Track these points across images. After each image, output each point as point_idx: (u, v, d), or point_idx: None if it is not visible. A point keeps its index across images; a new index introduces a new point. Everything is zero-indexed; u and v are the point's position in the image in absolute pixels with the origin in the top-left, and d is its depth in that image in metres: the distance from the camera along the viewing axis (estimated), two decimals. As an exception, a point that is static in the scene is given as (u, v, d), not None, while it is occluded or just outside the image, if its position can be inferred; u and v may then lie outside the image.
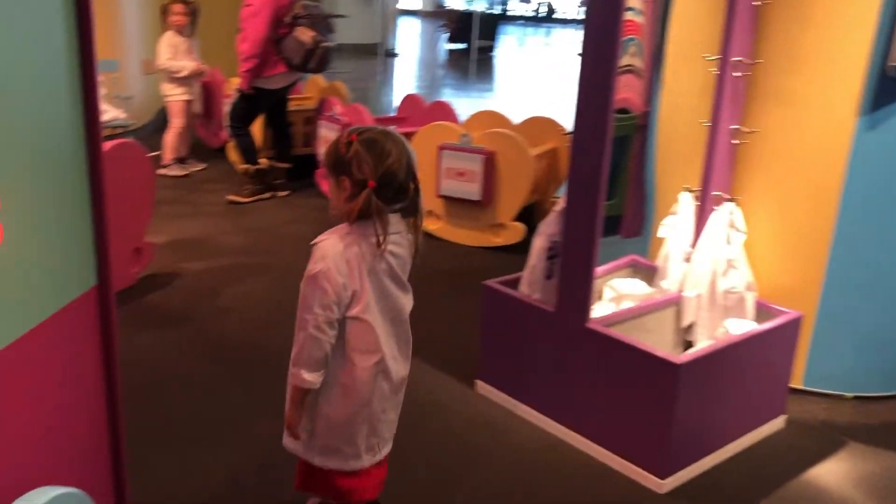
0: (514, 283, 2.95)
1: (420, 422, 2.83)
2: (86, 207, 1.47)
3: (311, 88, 6.66)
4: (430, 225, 4.95)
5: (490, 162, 4.57)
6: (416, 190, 1.83)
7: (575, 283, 2.63)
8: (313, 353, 1.76)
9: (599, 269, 3.15)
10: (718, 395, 2.61)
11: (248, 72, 5.30)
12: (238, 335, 3.50)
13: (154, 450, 2.57)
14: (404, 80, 14.31)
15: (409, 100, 5.97)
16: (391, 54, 17.43)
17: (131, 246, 3.89)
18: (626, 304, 3.02)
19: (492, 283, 2.98)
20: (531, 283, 2.85)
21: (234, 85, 5.72)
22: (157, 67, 6.12)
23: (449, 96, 12.22)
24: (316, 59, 5.46)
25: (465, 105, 9.98)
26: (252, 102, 5.47)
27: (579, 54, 2.43)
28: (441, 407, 2.95)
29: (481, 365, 3.06)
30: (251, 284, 4.05)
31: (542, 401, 2.85)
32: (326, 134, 5.45)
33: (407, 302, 1.93)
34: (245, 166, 5.54)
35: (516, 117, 5.33)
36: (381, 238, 1.75)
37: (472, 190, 4.64)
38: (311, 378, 1.77)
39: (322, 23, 5.48)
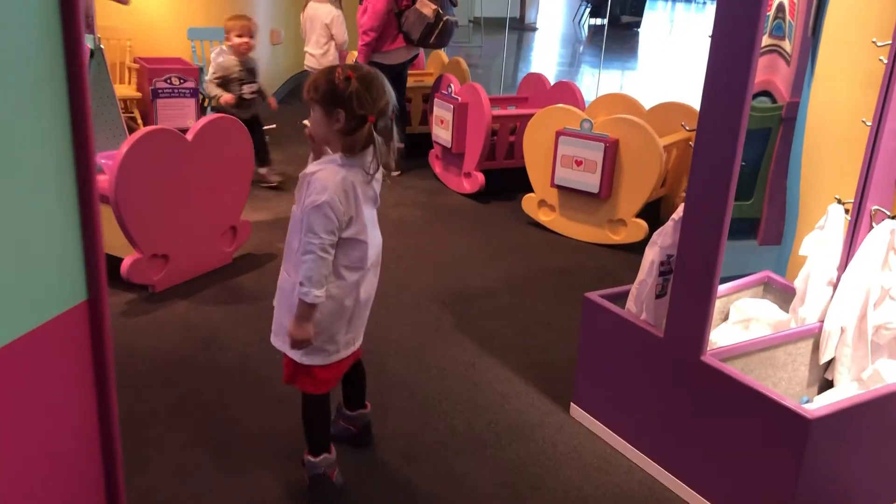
0: (621, 298, 2.57)
1: (501, 443, 2.53)
2: (73, 216, 1.24)
3: (433, 64, 6.40)
4: (543, 216, 4.58)
5: (612, 151, 4.15)
6: (391, 121, 2.04)
7: (690, 307, 2.22)
8: (321, 272, 1.98)
9: (726, 285, 2.72)
10: (860, 456, 2.14)
11: (367, 46, 5.10)
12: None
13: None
14: (539, 56, 13.82)
15: (531, 79, 5.58)
16: (530, 28, 16.95)
17: (227, 224, 3.77)
18: (755, 330, 2.57)
19: (594, 295, 2.61)
20: (639, 300, 2.46)
21: (351, 59, 5.53)
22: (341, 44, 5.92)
23: (586, 75, 11.66)
24: (437, 34, 5.19)
25: (602, 85, 9.49)
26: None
27: (710, 36, 2.01)
28: (527, 430, 2.63)
29: (578, 386, 2.71)
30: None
31: (643, 438, 2.46)
32: (440, 113, 5.17)
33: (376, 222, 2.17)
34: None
35: (650, 102, 4.84)
36: (376, 167, 2.01)
37: (590, 181, 4.23)
38: (319, 294, 1.98)
39: (445, -5, 5.19)
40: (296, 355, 2.11)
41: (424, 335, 3.26)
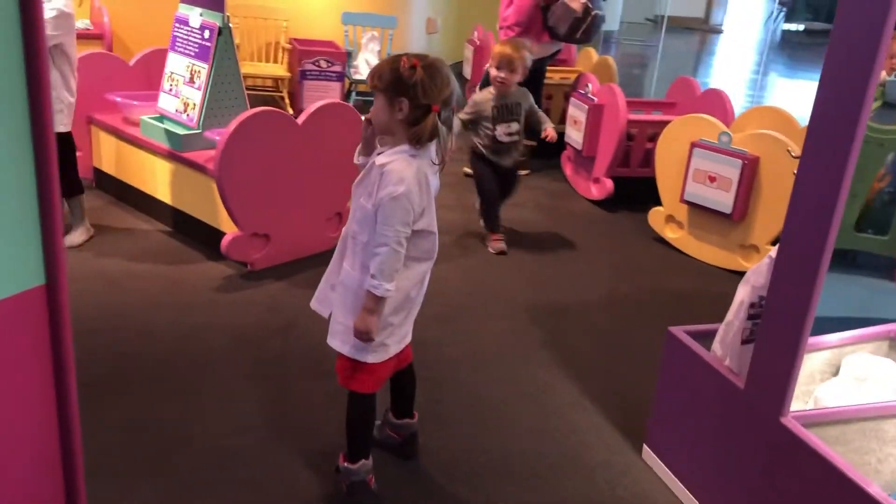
0: (710, 336, 2.27)
1: (554, 477, 2.31)
2: (31, 198, 1.19)
3: (582, 61, 6.13)
4: (669, 233, 4.24)
5: (750, 169, 3.75)
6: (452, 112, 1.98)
7: (774, 358, 1.91)
8: (395, 265, 1.93)
9: (842, 334, 2.36)
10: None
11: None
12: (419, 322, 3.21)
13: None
14: (719, 61, 13.03)
15: (681, 84, 5.19)
16: (715, 31, 16.05)
17: (332, 210, 3.76)
18: (869, 391, 2.20)
19: (679, 330, 2.33)
20: (724, 342, 2.16)
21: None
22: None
23: (770, 87, 10.84)
24: (584, 30, 4.94)
25: (788, 97, 8.74)
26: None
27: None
28: (588, 467, 2.39)
29: (651, 428, 2.44)
30: (450, 268, 3.72)
31: (716, 497, 2.17)
32: (574, 113, 4.92)
33: None
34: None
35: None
36: (442, 159, 1.97)
37: (723, 200, 3.85)
38: (390, 287, 1.93)
39: (593, -11, 4.92)
40: (356, 352, 2.03)
41: (505, 347, 3.08)
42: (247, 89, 6.21)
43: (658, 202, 4.30)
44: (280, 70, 6.19)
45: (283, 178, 3.46)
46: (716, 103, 4.72)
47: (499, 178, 4.04)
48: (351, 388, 2.11)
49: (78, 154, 4.21)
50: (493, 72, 3.93)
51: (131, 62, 4.26)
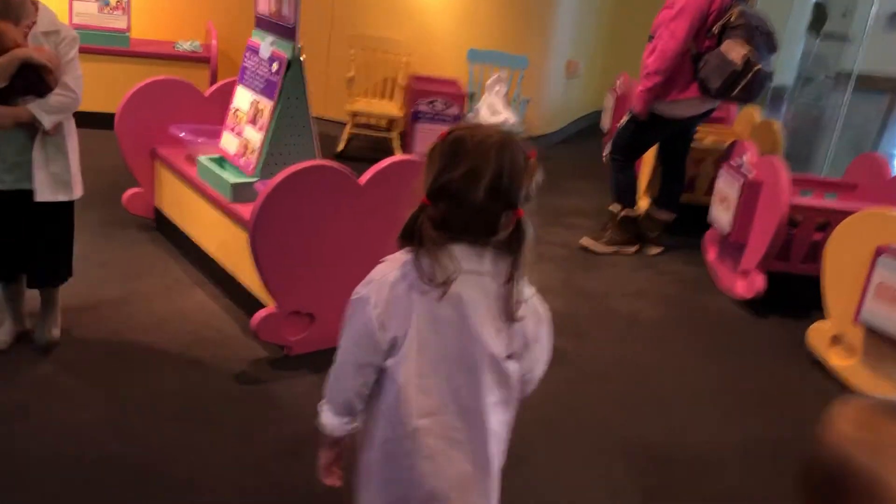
0: None
1: None
2: None
3: (742, 122, 5.16)
4: (835, 359, 3.24)
5: (962, 293, 2.73)
6: (519, 222, 1.31)
7: None
8: (336, 392, 1.49)
9: None
10: None
11: (649, 91, 4.09)
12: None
13: None
14: (909, 126, 11.40)
15: (865, 161, 4.12)
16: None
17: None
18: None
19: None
20: None
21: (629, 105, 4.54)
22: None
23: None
24: (744, 86, 4.02)
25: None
26: (645, 131, 4.25)
27: None
28: None
29: None
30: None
31: None
32: (723, 188, 3.99)
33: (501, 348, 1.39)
34: (616, 207, 4.38)
35: None
36: (429, 279, 1.33)
37: (916, 329, 2.84)
38: (329, 422, 1.50)
39: (762, 37, 4.00)
40: None
41: (585, 516, 2.25)
42: (357, 128, 5.76)
43: (822, 314, 3.32)
44: (394, 109, 5.63)
45: (336, 246, 2.81)
46: (913, 191, 3.67)
47: None
48: None
49: (138, 191, 3.79)
50: None
51: (207, 92, 3.77)
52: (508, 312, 1.35)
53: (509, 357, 1.40)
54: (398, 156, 2.87)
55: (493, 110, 5.81)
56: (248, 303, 3.07)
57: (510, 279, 1.33)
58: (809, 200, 3.86)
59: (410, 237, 1.35)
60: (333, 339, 2.98)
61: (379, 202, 2.83)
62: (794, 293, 3.78)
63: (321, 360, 2.88)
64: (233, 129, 3.33)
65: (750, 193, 3.76)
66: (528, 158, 1.31)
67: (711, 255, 4.29)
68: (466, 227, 1.32)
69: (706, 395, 2.99)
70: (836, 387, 3.15)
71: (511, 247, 1.33)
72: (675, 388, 3.01)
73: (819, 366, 3.28)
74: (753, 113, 4.99)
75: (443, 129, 5.12)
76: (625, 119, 4.28)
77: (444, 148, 1.33)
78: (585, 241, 4.39)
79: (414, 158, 2.90)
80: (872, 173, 4.02)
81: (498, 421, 1.44)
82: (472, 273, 1.34)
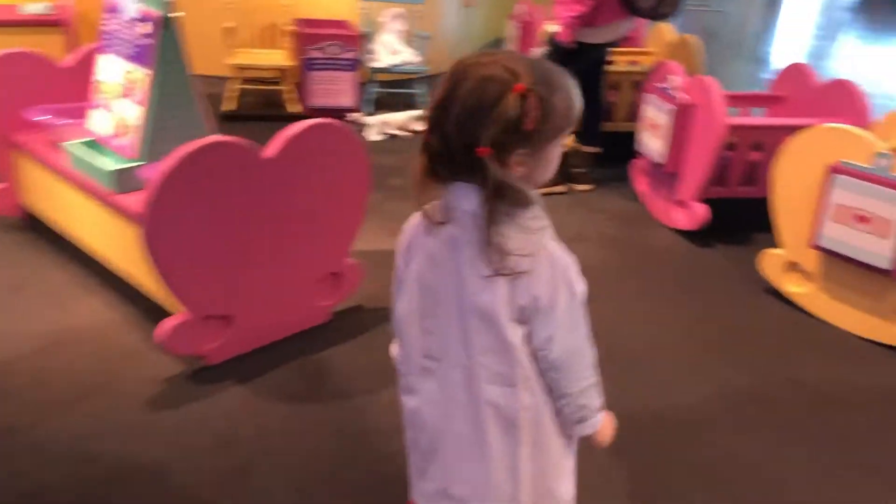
0: None
1: None
2: None
3: (655, 41, 4.92)
4: (792, 286, 3.10)
5: (925, 208, 2.59)
6: (482, 162, 1.16)
7: None
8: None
9: None
10: None
11: (578, 18, 3.72)
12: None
13: None
14: (789, 24, 11.55)
15: (792, 72, 3.94)
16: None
17: (325, 269, 2.70)
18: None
19: None
20: None
21: (545, 33, 4.19)
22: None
23: (843, 56, 9.42)
24: (671, 2, 3.75)
25: (860, 68, 7.38)
26: (566, 61, 3.93)
27: None
28: None
29: None
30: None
31: None
32: (652, 114, 3.76)
33: (479, 302, 1.25)
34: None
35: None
36: (428, 217, 1.28)
37: (880, 251, 2.70)
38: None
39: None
40: None
41: None
42: (245, 83, 5.21)
43: (768, 233, 3.15)
44: (282, 58, 5.10)
45: (246, 236, 2.41)
46: (844, 101, 3.51)
47: None
48: None
49: (1, 187, 3.24)
50: None
51: (65, 63, 3.20)
52: (487, 261, 1.21)
53: (516, 320, 1.25)
54: (308, 121, 2.45)
55: (391, 49, 5.39)
56: (152, 310, 2.64)
57: (487, 223, 1.19)
58: (744, 120, 3.67)
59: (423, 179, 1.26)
60: (257, 339, 2.63)
61: (291, 175, 2.44)
62: (735, 218, 3.63)
63: (246, 366, 2.52)
64: (102, 106, 2.82)
65: (683, 118, 3.53)
66: (509, 91, 1.14)
67: (643, 185, 4.08)
68: (449, 164, 1.21)
69: (671, 346, 2.79)
70: (799, 317, 3.01)
71: (487, 188, 1.18)
72: (638, 343, 2.79)
73: (776, 294, 3.14)
74: (665, 30, 4.75)
75: (342, 75, 4.65)
76: (541, 50, 3.94)
77: (444, 77, 1.21)
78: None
79: (327, 122, 2.49)
80: (800, 84, 3.85)
81: (500, 394, 1.29)
82: (470, 214, 1.21)
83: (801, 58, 8.79)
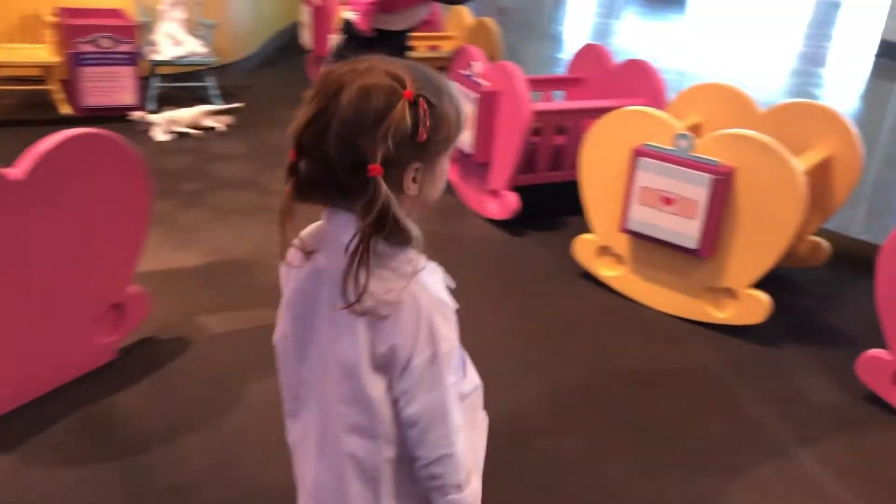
0: None
1: None
2: None
3: (453, 25, 4.83)
4: (605, 270, 3.10)
5: (723, 187, 2.64)
6: (373, 183, 1.00)
7: None
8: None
9: None
10: None
11: (377, 4, 3.49)
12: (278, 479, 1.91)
13: None
14: (581, 9, 12.05)
15: (588, 53, 3.96)
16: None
17: (104, 301, 2.33)
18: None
19: None
20: None
21: (341, 19, 3.94)
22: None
23: (624, 32, 9.94)
24: None
25: (638, 43, 7.78)
26: (365, 49, 3.69)
27: None
28: None
29: None
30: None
31: None
32: (459, 104, 3.64)
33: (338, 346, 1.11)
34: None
35: (758, 92, 3.31)
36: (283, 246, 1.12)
37: (685, 231, 2.74)
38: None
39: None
40: None
41: None
42: (4, 83, 4.57)
43: (581, 216, 3.13)
44: (45, 54, 4.50)
45: (2, 269, 2.01)
46: (640, 81, 3.57)
47: None
48: None
49: None
50: None
51: None
52: (345, 298, 1.04)
53: (377, 370, 1.09)
54: (64, 133, 2.06)
55: (173, 40, 4.93)
56: None
57: (351, 254, 1.02)
58: (549, 105, 3.65)
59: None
60: (21, 394, 2.18)
61: (51, 196, 2.06)
62: (546, 203, 3.60)
63: (11, 428, 2.09)
64: None
65: (488, 105, 3.44)
66: (398, 99, 1.00)
67: (454, 176, 3.97)
68: (329, 189, 1.05)
69: (497, 345, 2.68)
70: (616, 301, 3.02)
71: (368, 216, 1.02)
72: (464, 344, 2.66)
73: (592, 279, 3.13)
74: (463, 13, 4.67)
75: (120, 70, 4.12)
76: (338, 38, 3.70)
77: (312, 89, 1.05)
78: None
79: (86, 132, 2.12)
80: (595, 65, 3.88)
81: (360, 446, 1.14)
82: (344, 247, 1.04)
83: (589, 36, 9.18)
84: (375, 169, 0.99)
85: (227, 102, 4.74)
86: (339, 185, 1.03)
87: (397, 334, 1.07)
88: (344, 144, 1.00)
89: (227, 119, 4.59)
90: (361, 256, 1.02)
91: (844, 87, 7.51)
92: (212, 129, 4.51)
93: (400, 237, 1.04)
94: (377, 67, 1.02)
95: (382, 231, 1.02)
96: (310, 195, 1.07)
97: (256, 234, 3.28)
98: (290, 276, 1.17)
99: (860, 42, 9.11)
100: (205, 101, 4.82)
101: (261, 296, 2.80)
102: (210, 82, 4.89)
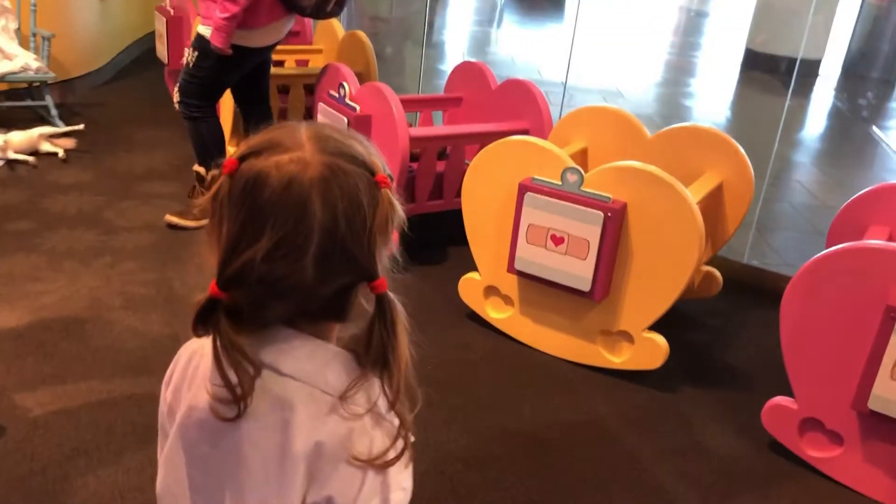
0: None
1: None
2: None
3: (322, 38, 4.49)
4: (493, 312, 2.85)
5: (615, 224, 2.44)
6: (382, 300, 0.87)
7: None
8: None
9: None
10: None
11: (230, 20, 3.08)
12: None
13: None
14: (455, 13, 11.90)
15: (465, 71, 3.70)
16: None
17: None
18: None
19: None
20: None
21: (195, 33, 3.52)
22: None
23: (504, 38, 9.85)
24: (338, 0, 3.30)
25: (519, 52, 7.68)
26: (222, 68, 3.30)
27: None
28: None
29: None
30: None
31: None
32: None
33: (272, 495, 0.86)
34: (200, 168, 3.46)
35: (633, 104, 3.16)
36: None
37: (576, 272, 2.52)
38: None
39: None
40: None
41: None
42: None
43: (465, 245, 2.87)
44: None
45: None
46: (522, 103, 3.35)
47: None
48: None
49: None
50: None
51: None
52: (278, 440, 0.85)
53: None
54: None
55: (2, 53, 4.35)
56: None
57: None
58: (428, 130, 3.38)
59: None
60: None
61: None
62: (430, 236, 3.33)
63: None
64: None
65: (359, 131, 3.13)
66: (378, 186, 0.83)
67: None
68: (298, 313, 0.86)
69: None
70: (506, 345, 2.78)
71: (372, 342, 0.88)
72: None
73: (480, 321, 2.87)
74: (334, 25, 4.33)
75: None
76: (192, 55, 3.29)
77: (234, 199, 0.79)
78: (170, 217, 3.41)
79: None
80: (474, 84, 3.64)
81: None
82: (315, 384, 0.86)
83: (468, 45, 9.01)
84: (383, 284, 0.84)
85: (69, 123, 4.22)
86: (308, 310, 0.85)
87: (334, 485, 0.87)
88: (327, 265, 0.80)
89: (68, 143, 4.07)
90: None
91: (714, 96, 7.64)
92: (54, 154, 3.99)
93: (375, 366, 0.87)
94: (314, 151, 0.80)
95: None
96: (255, 321, 0.83)
97: (94, 284, 2.82)
98: (183, 390, 0.90)
99: (727, 51, 9.37)
100: (46, 121, 4.28)
101: (96, 363, 2.38)
102: (48, 101, 4.33)
